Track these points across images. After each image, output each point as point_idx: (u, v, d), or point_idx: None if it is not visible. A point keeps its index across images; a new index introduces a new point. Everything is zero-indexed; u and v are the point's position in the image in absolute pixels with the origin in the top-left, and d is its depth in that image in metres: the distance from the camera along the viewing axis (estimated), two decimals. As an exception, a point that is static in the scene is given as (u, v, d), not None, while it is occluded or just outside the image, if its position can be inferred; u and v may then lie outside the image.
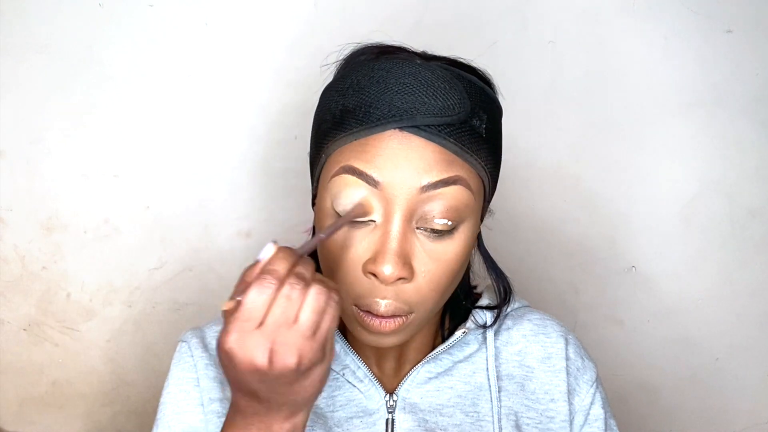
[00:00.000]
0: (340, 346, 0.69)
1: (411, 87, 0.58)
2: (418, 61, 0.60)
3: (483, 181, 0.62)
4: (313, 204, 0.67)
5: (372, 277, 0.58)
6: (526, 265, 1.17)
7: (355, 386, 0.68)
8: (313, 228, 0.70)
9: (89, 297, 1.13)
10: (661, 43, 1.13)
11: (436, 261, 0.59)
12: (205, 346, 0.72)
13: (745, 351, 1.20)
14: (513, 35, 1.12)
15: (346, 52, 0.66)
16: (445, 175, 0.57)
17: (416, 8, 1.10)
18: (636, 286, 1.18)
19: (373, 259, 0.57)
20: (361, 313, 0.60)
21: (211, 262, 1.13)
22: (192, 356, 0.71)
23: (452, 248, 0.59)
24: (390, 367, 0.70)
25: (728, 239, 1.17)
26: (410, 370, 0.69)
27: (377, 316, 0.59)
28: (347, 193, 0.58)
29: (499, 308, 0.72)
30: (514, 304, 0.76)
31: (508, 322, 0.74)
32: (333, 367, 0.68)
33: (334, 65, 0.67)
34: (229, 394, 0.66)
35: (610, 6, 1.12)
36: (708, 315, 1.19)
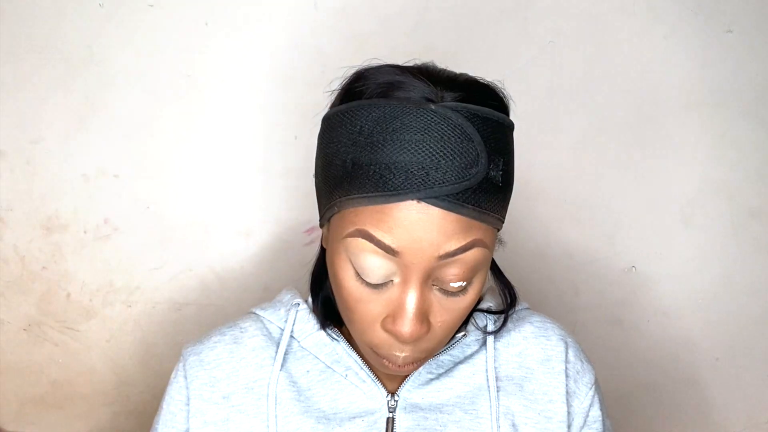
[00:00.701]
0: (342, 348, 0.70)
1: (427, 146, 0.55)
2: (432, 107, 0.56)
3: (498, 229, 0.63)
4: (322, 225, 0.67)
5: (391, 332, 0.60)
6: (526, 265, 1.17)
7: (357, 387, 0.69)
8: (321, 247, 0.71)
9: (89, 297, 1.13)
10: (661, 43, 1.13)
11: (451, 312, 0.61)
12: (201, 362, 0.72)
13: (745, 351, 1.20)
14: (513, 35, 1.12)
15: (350, 74, 0.64)
16: (463, 243, 0.57)
17: (416, 8, 1.10)
18: (636, 286, 1.18)
19: (392, 318, 0.59)
20: (380, 358, 0.63)
21: (211, 262, 1.13)
22: (186, 377, 0.72)
23: (467, 299, 0.61)
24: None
25: (728, 239, 1.17)
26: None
27: (396, 364, 0.62)
28: (366, 258, 0.57)
29: (505, 313, 0.74)
30: (516, 306, 0.76)
31: (509, 324, 0.75)
32: (336, 369, 0.70)
33: (335, 91, 0.65)
34: (232, 414, 0.68)
35: (610, 6, 1.12)
36: (708, 315, 1.19)
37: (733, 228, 1.17)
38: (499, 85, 0.66)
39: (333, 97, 0.65)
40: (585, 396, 0.73)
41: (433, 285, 0.59)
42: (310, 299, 0.75)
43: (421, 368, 0.70)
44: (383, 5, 1.10)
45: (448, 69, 0.63)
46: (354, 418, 0.68)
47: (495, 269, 0.73)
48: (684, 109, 1.15)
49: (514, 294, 0.74)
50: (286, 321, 0.73)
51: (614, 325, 1.19)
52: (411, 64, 0.65)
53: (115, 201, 1.11)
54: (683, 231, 1.17)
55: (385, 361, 0.62)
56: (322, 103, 0.68)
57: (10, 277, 1.12)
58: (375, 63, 0.63)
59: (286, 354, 0.71)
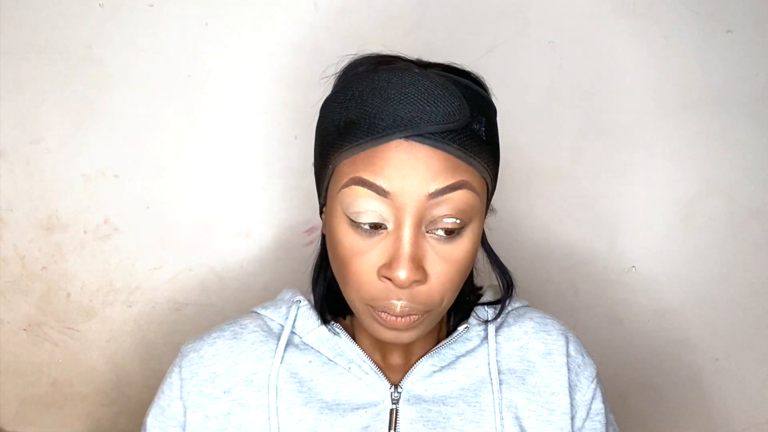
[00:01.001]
0: (345, 342, 0.71)
1: (412, 96, 0.59)
2: (416, 70, 0.61)
3: (486, 182, 0.64)
4: (321, 212, 0.70)
5: (387, 281, 0.61)
6: (526, 265, 1.17)
7: (360, 379, 0.70)
8: (322, 235, 0.72)
9: (89, 297, 1.13)
10: (661, 43, 1.13)
11: (447, 262, 0.61)
12: (201, 358, 0.72)
13: (745, 351, 1.20)
14: (513, 35, 1.12)
15: (344, 63, 0.68)
16: (451, 181, 0.59)
17: (416, 8, 1.10)
18: (636, 286, 1.18)
19: (388, 264, 0.60)
20: (378, 312, 0.63)
21: (211, 262, 1.13)
22: (180, 374, 0.72)
23: (462, 248, 0.62)
24: (395, 361, 0.72)
25: (728, 239, 1.17)
26: (415, 363, 0.71)
27: (393, 315, 0.62)
28: (359, 202, 0.60)
29: (502, 301, 0.75)
30: (515, 304, 0.79)
31: (510, 320, 0.76)
32: (338, 362, 0.70)
33: (333, 77, 0.68)
34: (233, 408, 0.68)
35: (610, 6, 1.12)
36: (708, 315, 1.19)
37: (733, 228, 1.17)
38: (498, 87, 0.70)
39: (311, 95, 0.69)
40: (587, 389, 0.74)
41: (427, 233, 0.61)
42: (312, 297, 0.76)
43: (424, 361, 0.71)
44: (383, 5, 1.10)
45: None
46: (357, 409, 0.68)
47: (492, 256, 0.74)
48: (684, 109, 1.15)
49: (512, 279, 0.75)
50: (286, 318, 0.74)
51: (614, 325, 1.19)
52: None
53: (115, 201, 1.11)
54: (683, 231, 1.17)
55: (383, 314, 0.62)
56: (321, 102, 0.69)
57: (10, 277, 1.12)
58: (366, 52, 0.68)
59: (286, 347, 0.71)
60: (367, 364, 0.70)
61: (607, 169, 1.16)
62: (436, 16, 1.11)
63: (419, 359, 0.71)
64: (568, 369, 0.74)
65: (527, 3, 1.12)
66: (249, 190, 1.13)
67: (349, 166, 0.61)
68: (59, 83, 1.09)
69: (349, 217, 0.61)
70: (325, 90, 0.68)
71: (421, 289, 0.61)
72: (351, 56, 0.68)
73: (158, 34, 1.09)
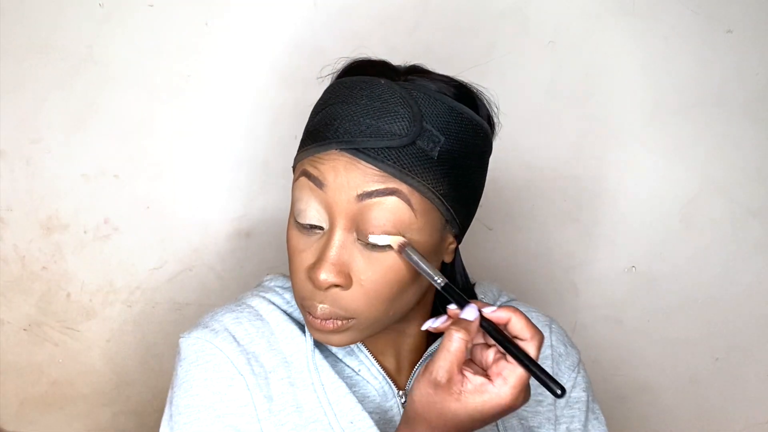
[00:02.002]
0: (354, 345, 0.70)
1: (363, 108, 0.61)
2: (382, 81, 0.62)
3: (433, 203, 0.62)
4: None
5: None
6: (526, 264, 1.17)
7: (369, 383, 0.70)
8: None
9: (89, 297, 1.13)
10: (661, 43, 1.13)
11: (374, 270, 0.61)
12: (234, 338, 0.67)
13: (745, 351, 1.20)
14: (513, 35, 1.12)
15: (339, 65, 0.69)
16: (382, 186, 0.59)
17: (416, 8, 1.10)
18: (636, 286, 1.18)
19: (313, 264, 0.61)
20: (305, 312, 0.64)
21: (211, 262, 1.13)
22: (222, 351, 0.66)
23: (391, 260, 0.61)
24: (390, 364, 0.72)
25: (728, 239, 1.17)
26: (409, 366, 0.72)
27: (315, 317, 0.62)
28: (301, 196, 0.63)
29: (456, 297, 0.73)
30: (502, 298, 0.79)
31: None
32: (349, 364, 0.70)
33: (328, 77, 0.69)
34: (284, 387, 0.66)
35: (610, 6, 1.12)
36: (708, 315, 1.19)
37: (733, 228, 1.17)
38: (488, 95, 0.68)
39: (310, 96, 0.70)
40: (567, 378, 0.75)
41: (358, 240, 0.61)
42: None
43: (422, 362, 0.70)
44: (383, 5, 1.10)
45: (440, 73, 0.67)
46: (370, 413, 0.67)
47: (462, 273, 0.75)
48: (684, 109, 1.14)
49: (467, 276, 0.76)
50: (288, 303, 0.72)
51: (614, 325, 1.19)
52: (410, 64, 0.67)
53: (115, 201, 1.11)
54: (683, 231, 1.17)
55: (309, 316, 0.63)
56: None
57: (10, 277, 1.12)
58: (364, 55, 0.68)
59: (305, 331, 0.69)
60: (375, 368, 0.69)
61: (607, 169, 1.16)
62: (436, 16, 1.11)
63: (418, 362, 0.71)
64: (552, 359, 0.75)
65: (527, 3, 1.11)
66: (249, 190, 1.13)
67: (300, 166, 0.65)
68: (59, 83, 1.09)
69: (295, 218, 0.64)
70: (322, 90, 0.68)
71: (344, 295, 0.61)
72: (347, 59, 0.68)
73: (158, 34, 1.09)
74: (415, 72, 0.65)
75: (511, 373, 0.54)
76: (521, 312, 0.56)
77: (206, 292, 1.14)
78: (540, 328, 0.74)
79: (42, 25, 1.08)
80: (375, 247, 0.60)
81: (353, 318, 0.62)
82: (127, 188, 1.11)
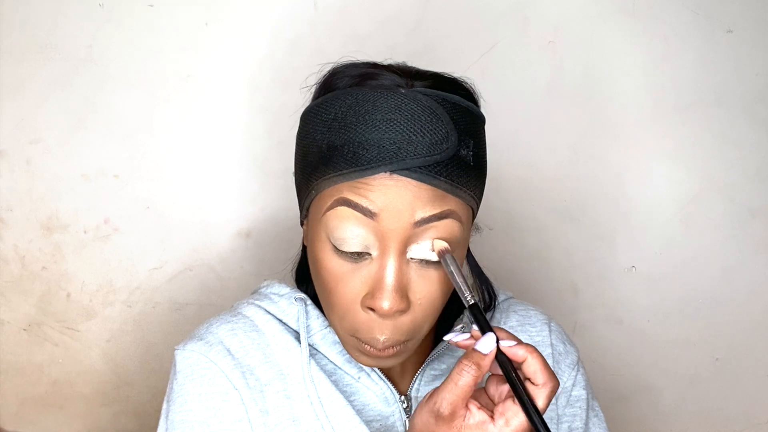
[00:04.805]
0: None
1: (398, 124, 0.57)
2: (403, 91, 0.59)
3: (472, 209, 0.63)
4: (302, 223, 0.68)
5: (370, 312, 0.59)
6: (526, 264, 1.17)
7: (369, 389, 0.69)
8: (303, 247, 0.71)
9: (89, 297, 1.13)
10: (661, 43, 1.13)
11: (428, 289, 0.60)
12: (229, 351, 0.66)
13: (745, 351, 1.20)
14: (513, 35, 1.12)
15: (325, 71, 0.65)
16: (437, 210, 0.58)
17: (416, 8, 1.10)
18: (636, 286, 1.18)
19: (371, 294, 0.58)
20: (362, 344, 0.61)
21: (211, 262, 1.13)
22: (217, 364, 0.65)
23: (441, 272, 0.60)
24: (395, 370, 0.71)
25: (728, 239, 1.17)
26: (412, 369, 0.71)
27: (376, 348, 0.61)
28: (344, 226, 0.58)
29: (484, 311, 0.73)
30: (500, 296, 0.78)
31: (497, 316, 0.76)
32: (349, 372, 0.69)
33: (313, 86, 0.66)
34: (279, 400, 0.65)
35: (610, 6, 1.12)
36: (708, 315, 1.19)
37: (733, 228, 1.17)
38: (469, 82, 0.66)
39: (309, 95, 0.67)
40: (568, 376, 0.74)
41: (411, 259, 0.59)
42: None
43: (425, 367, 0.70)
44: (383, 5, 1.10)
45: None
46: (371, 421, 0.67)
47: (476, 269, 0.74)
48: (684, 109, 1.14)
49: (493, 291, 0.75)
50: (284, 312, 0.71)
51: (614, 325, 1.19)
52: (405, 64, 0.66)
53: (115, 201, 1.11)
54: (683, 231, 1.17)
55: (367, 346, 0.61)
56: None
57: (10, 277, 1.12)
58: (348, 60, 0.66)
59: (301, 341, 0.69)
60: (376, 374, 0.68)
61: (607, 169, 1.16)
62: (436, 16, 1.11)
63: (420, 367, 0.70)
64: (552, 358, 0.74)
65: (527, 3, 1.12)
66: (249, 190, 1.13)
67: (335, 191, 0.59)
68: (59, 83, 1.09)
69: (333, 244, 0.59)
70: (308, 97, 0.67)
71: (405, 319, 0.60)
72: (331, 64, 0.65)
73: (158, 34, 1.09)
74: (415, 74, 0.63)
75: (514, 416, 0.53)
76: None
77: (206, 292, 1.14)
78: (540, 328, 0.75)
79: (42, 25, 1.08)
80: (428, 263, 0.59)
81: (410, 339, 0.62)
82: (127, 188, 1.11)
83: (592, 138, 1.15)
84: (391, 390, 0.68)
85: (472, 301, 0.57)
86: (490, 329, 0.56)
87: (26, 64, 1.08)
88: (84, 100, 1.09)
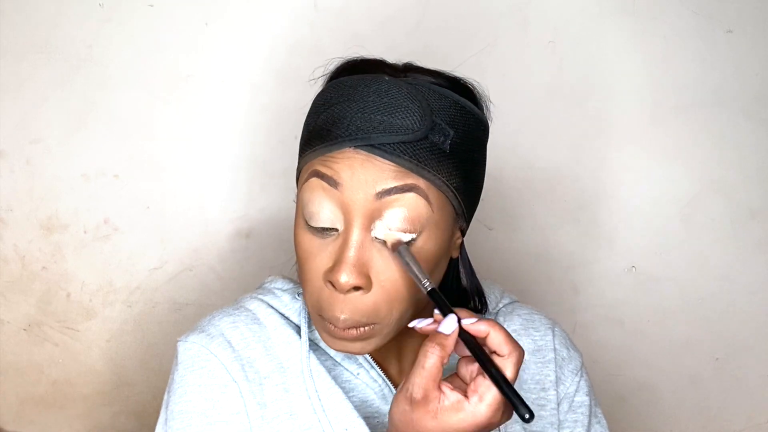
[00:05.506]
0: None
1: (372, 105, 0.60)
2: (387, 78, 0.61)
3: (447, 196, 0.62)
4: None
5: (332, 287, 0.60)
6: (526, 264, 1.17)
7: (368, 386, 0.69)
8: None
9: (89, 297, 1.13)
10: (661, 43, 1.13)
11: (393, 270, 0.60)
12: (230, 344, 0.67)
13: (745, 351, 1.20)
14: (513, 35, 1.12)
15: (332, 66, 0.68)
16: (400, 183, 0.59)
17: (416, 8, 1.10)
18: (636, 286, 1.18)
19: (332, 267, 0.59)
20: (325, 322, 0.61)
21: (211, 262, 1.13)
22: (217, 357, 0.66)
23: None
24: (392, 366, 0.71)
25: (728, 239, 1.17)
26: (410, 367, 0.70)
27: (337, 327, 0.61)
28: (313, 198, 0.61)
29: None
30: (504, 300, 0.78)
31: (500, 318, 0.76)
32: (348, 368, 0.69)
33: (321, 78, 0.68)
34: (278, 393, 0.65)
35: (610, 6, 1.12)
36: (708, 315, 1.19)
37: (733, 228, 1.17)
38: (480, 89, 0.68)
39: (312, 93, 0.68)
40: (571, 382, 0.74)
41: (376, 238, 0.59)
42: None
43: None
44: (383, 5, 1.10)
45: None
46: (368, 417, 0.67)
47: (469, 274, 0.73)
48: (684, 109, 1.15)
49: (484, 300, 0.74)
50: (287, 306, 0.71)
51: (614, 325, 1.19)
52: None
53: (115, 201, 1.11)
54: (683, 231, 1.17)
55: (330, 326, 0.61)
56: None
57: (10, 277, 1.12)
58: (357, 54, 0.68)
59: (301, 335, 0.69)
60: (375, 371, 0.69)
61: (607, 169, 1.16)
62: (436, 16, 1.11)
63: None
64: (555, 363, 0.74)
65: (527, 3, 1.12)
66: (249, 190, 1.13)
67: (309, 166, 0.62)
68: (59, 83, 1.09)
69: (305, 220, 0.62)
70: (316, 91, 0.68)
71: (365, 299, 0.59)
72: (340, 59, 0.68)
73: (158, 34, 1.09)
74: (412, 69, 0.66)
75: (487, 390, 0.53)
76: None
77: (206, 292, 1.14)
78: (544, 332, 0.74)
79: (42, 25, 1.08)
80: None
81: (375, 323, 0.61)
82: (127, 188, 1.11)
83: (592, 138, 1.15)
84: (389, 387, 0.69)
85: (430, 288, 0.58)
86: (451, 311, 0.56)
87: (26, 64, 1.08)
88: (84, 100, 1.09)
